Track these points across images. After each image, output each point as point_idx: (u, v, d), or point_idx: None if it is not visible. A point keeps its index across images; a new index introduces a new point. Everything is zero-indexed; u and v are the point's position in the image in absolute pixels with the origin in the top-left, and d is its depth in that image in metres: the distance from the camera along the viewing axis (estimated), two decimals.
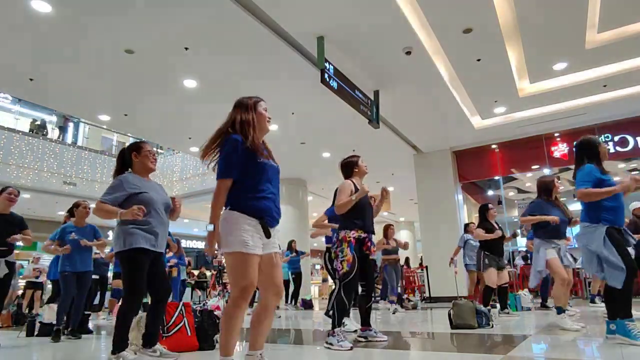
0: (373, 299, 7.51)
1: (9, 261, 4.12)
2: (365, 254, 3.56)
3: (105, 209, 2.86)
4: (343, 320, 4.51)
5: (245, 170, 2.13)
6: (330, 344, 3.22)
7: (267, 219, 2.13)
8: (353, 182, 3.63)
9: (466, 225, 7.46)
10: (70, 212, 4.74)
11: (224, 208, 2.14)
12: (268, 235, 2.11)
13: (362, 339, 3.56)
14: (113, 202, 2.89)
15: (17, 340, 4.81)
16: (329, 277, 5.65)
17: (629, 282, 2.89)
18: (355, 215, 3.55)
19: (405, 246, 7.15)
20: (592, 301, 6.59)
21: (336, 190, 3.69)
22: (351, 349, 3.13)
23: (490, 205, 5.64)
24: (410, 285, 10.80)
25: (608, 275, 2.98)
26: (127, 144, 3.42)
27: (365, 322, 3.64)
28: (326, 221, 4.76)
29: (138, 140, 3.32)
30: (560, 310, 3.93)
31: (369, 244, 3.59)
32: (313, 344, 3.72)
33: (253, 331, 2.14)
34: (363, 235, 3.56)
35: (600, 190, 2.99)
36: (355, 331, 4.24)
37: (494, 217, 5.57)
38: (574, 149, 3.34)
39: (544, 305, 6.53)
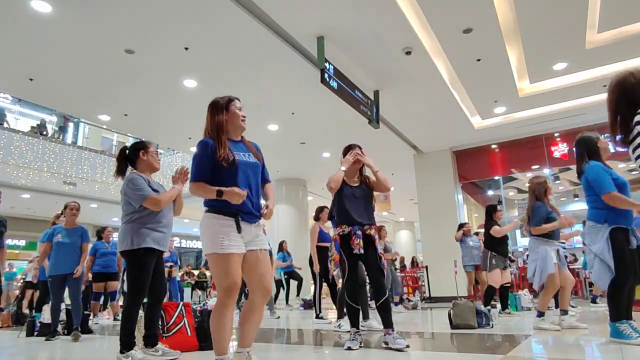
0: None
1: None
2: (367, 247, 3.23)
3: (167, 199, 2.99)
4: (339, 322, 4.52)
5: (215, 172, 2.17)
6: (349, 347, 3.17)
7: (242, 216, 2.16)
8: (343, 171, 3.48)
9: (461, 225, 7.06)
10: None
11: (205, 209, 2.20)
12: (239, 230, 2.13)
13: (384, 344, 3.15)
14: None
15: (17, 340, 4.81)
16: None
17: (624, 286, 2.88)
18: (338, 208, 3.38)
19: (393, 256, 7.24)
20: (594, 301, 6.60)
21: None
22: (349, 349, 3.14)
23: (498, 207, 5.70)
24: (412, 285, 10.78)
25: (595, 273, 2.97)
26: (127, 144, 3.43)
27: (385, 324, 3.17)
28: None
29: (141, 140, 3.33)
30: (540, 314, 4.01)
31: (353, 237, 3.22)
32: (313, 344, 3.72)
33: (241, 329, 2.18)
34: (347, 229, 3.26)
35: (632, 201, 2.86)
36: (349, 332, 4.24)
37: (501, 219, 5.64)
38: (574, 147, 3.29)
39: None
